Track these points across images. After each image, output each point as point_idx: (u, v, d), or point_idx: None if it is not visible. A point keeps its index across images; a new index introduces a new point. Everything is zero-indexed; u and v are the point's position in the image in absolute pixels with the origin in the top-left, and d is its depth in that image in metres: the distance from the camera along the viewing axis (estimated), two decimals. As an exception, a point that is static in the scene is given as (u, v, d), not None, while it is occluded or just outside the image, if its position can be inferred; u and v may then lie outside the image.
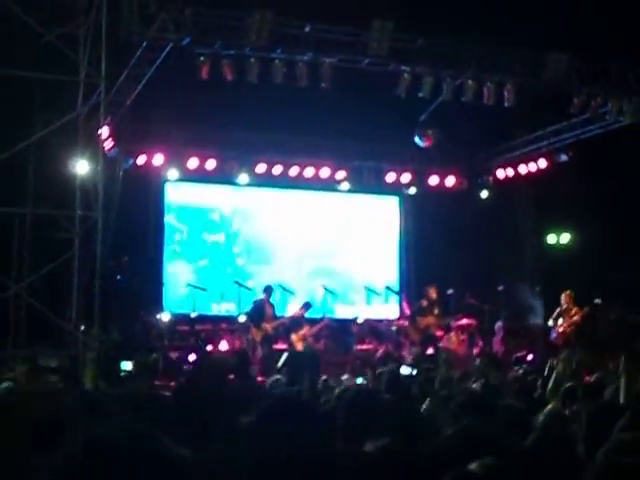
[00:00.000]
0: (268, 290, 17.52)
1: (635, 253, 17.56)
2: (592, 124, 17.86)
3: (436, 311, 17.66)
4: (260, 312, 17.09)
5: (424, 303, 17.73)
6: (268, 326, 16.94)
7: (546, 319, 17.49)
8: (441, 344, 17.31)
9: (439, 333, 17.60)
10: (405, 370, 12.73)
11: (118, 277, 16.19)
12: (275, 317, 17.27)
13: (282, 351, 16.64)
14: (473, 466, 3.24)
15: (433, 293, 17.71)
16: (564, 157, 19.20)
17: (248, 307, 17.40)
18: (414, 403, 6.46)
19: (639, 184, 17.80)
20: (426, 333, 17.47)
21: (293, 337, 16.99)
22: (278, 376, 9.49)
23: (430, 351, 17.18)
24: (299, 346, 16.97)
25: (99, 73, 13.83)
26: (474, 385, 8.80)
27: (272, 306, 17.39)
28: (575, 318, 16.77)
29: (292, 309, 18.21)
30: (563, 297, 16.90)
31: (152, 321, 17.11)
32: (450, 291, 18.51)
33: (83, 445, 2.00)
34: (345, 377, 11.11)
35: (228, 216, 20.25)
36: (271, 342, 16.96)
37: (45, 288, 14.27)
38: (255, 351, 16.71)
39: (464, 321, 17.86)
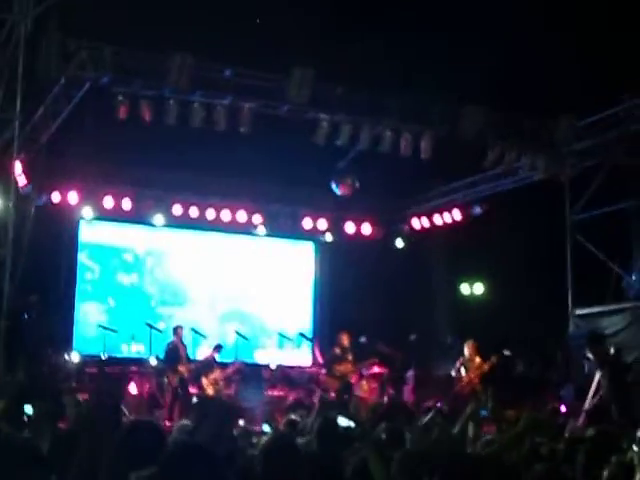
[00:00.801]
0: (179, 330, 17.33)
1: (546, 306, 17.85)
2: (506, 178, 18.19)
3: (350, 357, 17.63)
4: (174, 354, 16.89)
5: (337, 350, 17.69)
6: (183, 369, 16.74)
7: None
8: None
9: (353, 380, 17.58)
10: (343, 421, 12.73)
11: (25, 316, 15.86)
12: (188, 358, 17.10)
13: (193, 395, 16.47)
14: None
15: (345, 340, 17.68)
16: (478, 210, 19.50)
17: (161, 351, 17.16)
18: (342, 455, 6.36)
19: (551, 237, 18.17)
20: (344, 380, 17.40)
21: (204, 381, 16.82)
22: (185, 421, 9.31)
23: (345, 397, 17.08)
24: (210, 390, 16.80)
25: (14, 108, 13.66)
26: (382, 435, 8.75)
27: (185, 347, 17.22)
28: (484, 367, 16.91)
29: (203, 352, 18.07)
30: (466, 347, 17.04)
31: (60, 362, 16.77)
32: (362, 339, 18.51)
33: None
34: (241, 423, 10.97)
35: (142, 257, 20.07)
36: (187, 385, 16.75)
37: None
38: (164, 395, 16.51)
39: (375, 369, 17.89)
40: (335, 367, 17.44)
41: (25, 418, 8.02)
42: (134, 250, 20.01)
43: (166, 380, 16.65)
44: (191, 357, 17.38)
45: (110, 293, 19.60)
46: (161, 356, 17.05)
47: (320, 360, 19.10)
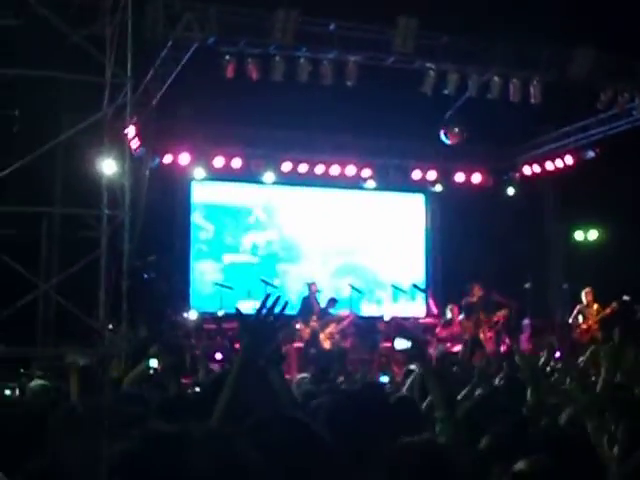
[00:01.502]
0: (312, 286, 17.64)
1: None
2: (619, 120, 17.78)
3: (482, 308, 17.50)
4: (308, 309, 17.18)
5: (472, 300, 17.55)
6: (315, 324, 16.99)
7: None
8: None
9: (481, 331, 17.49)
10: (401, 344, 12.83)
11: (145, 276, 16.25)
12: (322, 312, 17.32)
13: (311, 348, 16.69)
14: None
15: (479, 290, 17.56)
16: (591, 154, 19.12)
17: (297, 305, 17.45)
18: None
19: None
20: (474, 331, 17.28)
21: (321, 335, 17.02)
22: (304, 374, 9.48)
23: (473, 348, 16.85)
24: (326, 344, 16.99)
25: (125, 73, 13.90)
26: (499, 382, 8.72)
27: (318, 302, 17.48)
28: (605, 313, 16.69)
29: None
30: (584, 294, 16.82)
31: (179, 320, 17.17)
32: (476, 288, 18.47)
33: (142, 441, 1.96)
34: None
35: (254, 214, 20.31)
36: (318, 339, 16.98)
37: (73, 287, 14.36)
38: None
39: (493, 318, 17.77)
40: (471, 317, 17.31)
41: (151, 372, 8.25)
42: (246, 208, 20.25)
43: (298, 333, 16.91)
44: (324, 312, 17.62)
45: (224, 251, 19.91)
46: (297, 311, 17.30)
47: (435, 311, 19.11)
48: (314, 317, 17.13)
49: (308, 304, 17.35)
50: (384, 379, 11.00)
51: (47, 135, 13.87)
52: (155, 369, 7.72)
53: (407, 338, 5.73)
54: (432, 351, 17.09)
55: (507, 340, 17.85)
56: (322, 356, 16.22)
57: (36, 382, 7.99)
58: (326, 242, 20.54)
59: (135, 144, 16.30)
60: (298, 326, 17.01)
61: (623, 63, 15.85)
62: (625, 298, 16.76)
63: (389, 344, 17.99)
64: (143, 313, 15.55)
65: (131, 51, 13.71)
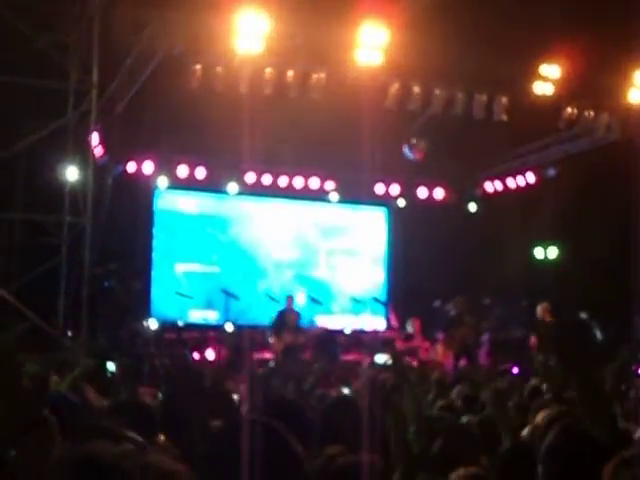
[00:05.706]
0: (289, 299, 17.55)
1: (623, 267, 17.62)
2: (580, 139, 17.95)
3: (467, 320, 17.49)
4: (282, 321, 17.05)
5: (452, 313, 17.55)
6: (290, 336, 16.84)
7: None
8: (426, 357, 17.29)
9: (424, 345, 17.56)
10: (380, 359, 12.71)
11: (106, 284, 16.16)
12: (299, 325, 17.26)
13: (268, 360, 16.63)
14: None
15: (462, 303, 17.59)
16: (552, 172, 19.30)
17: (272, 317, 17.42)
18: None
19: (627, 199, 17.88)
20: (463, 344, 17.24)
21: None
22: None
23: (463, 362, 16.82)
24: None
25: (90, 80, 13.88)
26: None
27: (297, 315, 17.37)
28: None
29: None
30: (539, 309, 16.96)
31: (139, 328, 17.07)
32: (436, 303, 18.54)
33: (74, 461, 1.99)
34: None
35: (217, 224, 20.26)
36: (294, 352, 16.77)
37: (33, 294, 14.27)
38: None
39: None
40: (452, 331, 17.30)
41: (109, 375, 8.22)
42: (208, 218, 20.20)
43: (272, 344, 16.80)
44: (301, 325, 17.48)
45: (186, 260, 19.83)
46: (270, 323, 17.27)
47: (395, 324, 19.17)
48: (289, 329, 16.96)
49: (283, 317, 17.21)
50: (345, 391, 11.01)
51: (9, 141, 13.82)
52: (112, 373, 7.70)
53: (388, 353, 5.86)
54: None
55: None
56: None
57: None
58: (288, 254, 20.54)
59: (99, 152, 16.23)
60: (271, 340, 16.92)
61: (585, 83, 16.00)
62: (583, 315, 16.92)
63: (349, 357, 18.03)
64: (103, 321, 15.47)
65: (97, 58, 13.73)
